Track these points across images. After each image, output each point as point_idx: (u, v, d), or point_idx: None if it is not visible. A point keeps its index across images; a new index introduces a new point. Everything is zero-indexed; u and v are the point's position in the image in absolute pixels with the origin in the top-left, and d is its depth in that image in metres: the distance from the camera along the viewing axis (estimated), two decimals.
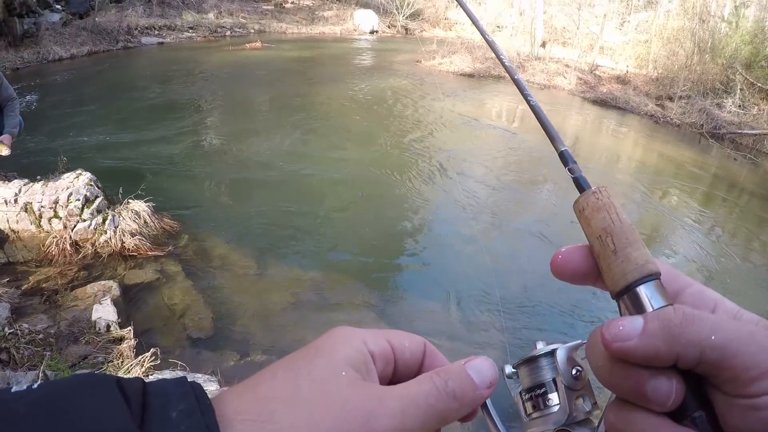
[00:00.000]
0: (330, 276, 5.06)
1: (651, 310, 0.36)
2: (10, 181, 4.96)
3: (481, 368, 0.39)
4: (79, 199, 4.84)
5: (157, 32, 16.58)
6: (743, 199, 9.41)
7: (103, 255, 4.76)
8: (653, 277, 0.37)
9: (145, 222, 5.08)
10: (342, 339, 0.39)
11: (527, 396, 0.44)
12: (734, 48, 15.16)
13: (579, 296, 5.14)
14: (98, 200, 4.99)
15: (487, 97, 13.46)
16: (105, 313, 3.81)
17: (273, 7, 22.90)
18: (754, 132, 12.65)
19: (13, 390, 0.29)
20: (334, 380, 0.35)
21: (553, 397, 0.42)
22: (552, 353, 0.43)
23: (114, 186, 5.38)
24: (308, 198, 6.67)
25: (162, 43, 16.12)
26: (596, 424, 0.41)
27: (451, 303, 4.90)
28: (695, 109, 13.72)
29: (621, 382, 0.36)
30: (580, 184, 0.43)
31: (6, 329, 3.36)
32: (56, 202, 4.79)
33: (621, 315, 0.38)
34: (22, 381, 2.90)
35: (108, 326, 3.71)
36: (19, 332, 3.40)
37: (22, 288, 4.17)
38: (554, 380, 0.43)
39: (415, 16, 24.65)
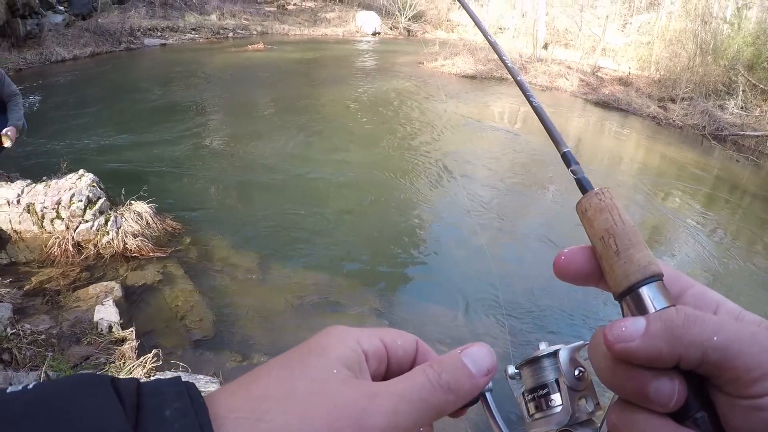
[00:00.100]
0: (332, 279, 5.05)
1: (653, 311, 0.36)
2: (12, 181, 4.97)
3: (477, 356, 0.39)
4: (81, 200, 4.85)
5: (159, 34, 16.62)
6: (746, 200, 9.40)
7: (106, 256, 4.76)
8: (656, 278, 0.37)
9: (147, 223, 5.08)
10: (336, 338, 0.39)
11: (530, 396, 0.44)
12: (736, 49, 15.15)
13: (583, 298, 5.14)
14: (101, 201, 4.99)
15: (490, 98, 13.47)
16: (107, 314, 3.81)
17: (275, 9, 22.96)
18: (756, 134, 12.63)
19: (8, 390, 0.29)
20: (327, 379, 0.35)
21: (556, 398, 0.42)
22: (555, 354, 0.43)
23: (116, 187, 5.39)
24: (311, 201, 6.67)
25: (164, 44, 16.16)
26: (599, 425, 0.41)
27: (455, 305, 4.89)
28: (697, 111, 13.71)
29: (623, 383, 0.36)
30: (583, 186, 0.43)
31: (8, 330, 3.36)
32: (59, 203, 4.80)
33: (623, 316, 0.38)
34: (24, 381, 2.91)
35: (110, 327, 3.72)
36: (21, 333, 3.41)
37: (25, 289, 4.17)
38: (557, 381, 0.43)
39: (417, 17, 24.68)
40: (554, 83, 15.97)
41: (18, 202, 4.77)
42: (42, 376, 2.97)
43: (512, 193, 7.78)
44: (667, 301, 0.37)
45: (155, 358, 3.31)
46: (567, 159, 0.46)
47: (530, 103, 0.52)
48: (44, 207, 4.78)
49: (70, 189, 4.89)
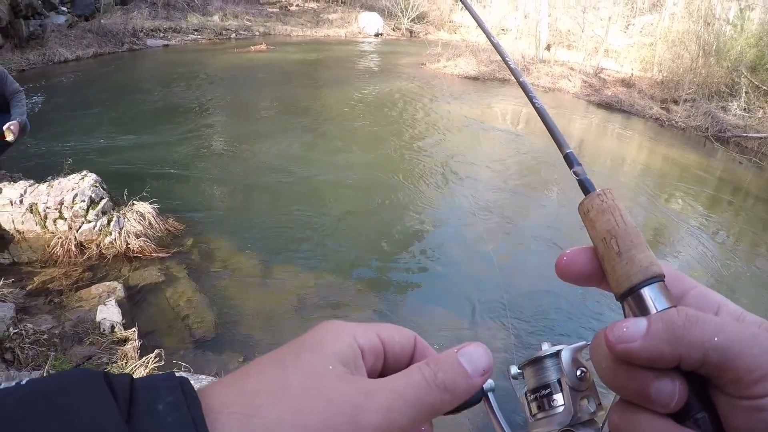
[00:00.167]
0: (335, 280, 5.05)
1: (655, 311, 0.36)
2: (15, 182, 4.99)
3: (473, 356, 0.38)
4: (84, 201, 4.86)
5: (162, 34, 16.65)
6: (748, 202, 9.38)
7: (108, 256, 4.77)
8: (657, 279, 0.37)
9: (150, 224, 5.09)
10: (332, 333, 0.38)
11: (532, 396, 0.44)
12: (739, 51, 15.12)
13: (587, 299, 5.13)
14: (103, 201, 5.00)
15: (493, 100, 13.46)
16: (109, 314, 3.82)
17: (278, 10, 22.99)
18: (759, 135, 12.60)
19: (1, 387, 0.29)
20: (322, 374, 0.35)
21: (558, 398, 0.43)
22: (557, 354, 0.44)
23: (119, 188, 5.40)
24: (315, 202, 6.67)
25: (167, 45, 16.19)
26: (600, 425, 0.42)
27: (459, 307, 4.89)
28: (700, 113, 13.69)
29: (625, 384, 0.36)
30: (585, 187, 0.44)
31: (11, 329, 3.37)
32: (61, 203, 4.81)
33: (625, 317, 0.38)
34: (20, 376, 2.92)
35: (112, 327, 3.72)
36: (23, 332, 3.41)
37: (27, 288, 4.18)
38: (559, 381, 0.43)
39: (419, 19, 24.68)
40: (557, 84, 15.96)
41: (21, 202, 4.78)
42: (44, 375, 2.97)
43: (517, 194, 7.78)
44: (669, 302, 0.37)
45: (157, 358, 3.32)
46: (569, 160, 0.46)
47: (533, 104, 0.52)
48: (47, 207, 4.79)
49: (73, 189, 4.90)
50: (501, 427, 0.44)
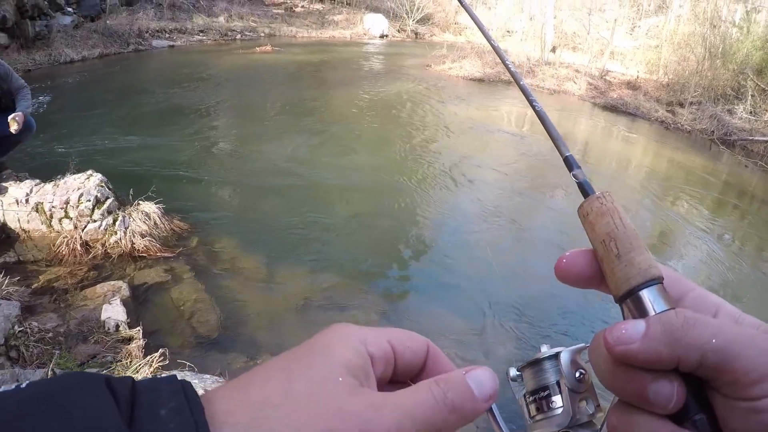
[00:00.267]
0: (340, 282, 5.05)
1: (653, 313, 0.37)
2: (21, 181, 5.01)
3: (481, 380, 0.37)
4: (89, 200, 4.88)
5: (167, 35, 16.70)
6: (754, 206, 9.34)
7: (113, 255, 4.79)
8: (656, 281, 0.38)
9: (155, 223, 5.11)
10: (340, 338, 0.37)
11: (531, 398, 0.45)
12: (745, 53, 15.06)
13: (588, 300, 5.12)
14: (109, 201, 5.02)
15: (498, 102, 13.45)
16: (114, 313, 3.83)
17: (283, 11, 23.03)
18: (765, 139, 12.54)
19: (1, 390, 0.29)
20: (330, 385, 0.33)
21: (557, 400, 0.43)
22: (556, 356, 0.44)
23: (125, 187, 5.42)
24: (321, 204, 6.66)
25: (172, 46, 16.23)
26: (599, 427, 0.42)
27: (466, 310, 4.88)
28: (706, 116, 13.64)
29: (623, 385, 0.36)
30: (585, 189, 0.44)
31: (16, 327, 3.39)
32: (67, 202, 4.83)
33: (624, 319, 0.39)
34: (31, 376, 2.93)
35: (117, 326, 3.74)
36: (28, 330, 3.43)
37: (33, 287, 4.20)
38: (558, 383, 0.43)
39: (424, 20, 24.68)
40: (562, 87, 15.93)
41: (27, 201, 4.80)
42: (49, 373, 2.99)
43: (522, 197, 7.76)
44: (667, 304, 0.37)
45: (162, 358, 3.33)
46: (569, 163, 0.46)
47: (532, 107, 0.52)
48: (53, 206, 4.82)
49: (79, 189, 4.92)
50: (501, 430, 0.44)
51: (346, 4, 25.15)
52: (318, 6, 24.65)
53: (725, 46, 15.56)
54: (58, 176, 5.13)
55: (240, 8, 20.85)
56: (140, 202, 5.20)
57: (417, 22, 24.16)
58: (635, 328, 0.35)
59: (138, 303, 4.29)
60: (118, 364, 3.33)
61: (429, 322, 4.66)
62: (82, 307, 3.98)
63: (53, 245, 4.73)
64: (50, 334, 3.51)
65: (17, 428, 0.27)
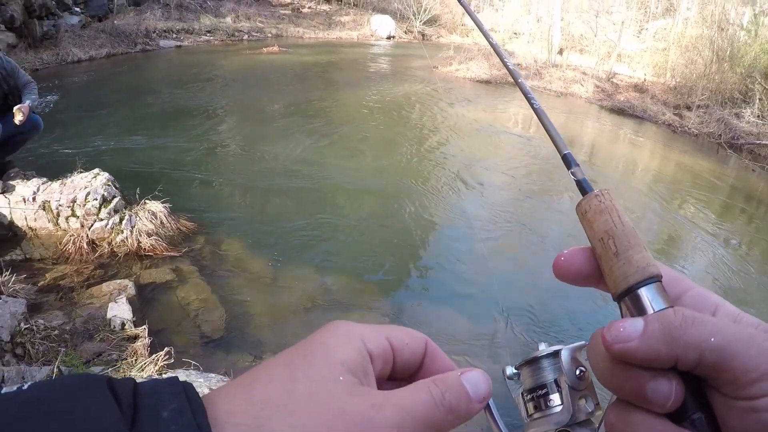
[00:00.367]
0: (346, 283, 5.05)
1: (652, 312, 0.36)
2: (28, 179, 5.04)
3: (476, 381, 0.38)
4: (96, 199, 4.90)
5: (175, 35, 16.75)
6: (761, 210, 9.28)
7: (120, 254, 4.81)
8: (654, 279, 0.38)
9: (161, 223, 5.13)
10: (340, 336, 0.37)
11: (529, 396, 0.44)
12: (753, 57, 14.97)
13: (598, 306, 5.11)
14: (115, 200, 5.05)
15: (506, 104, 13.41)
16: (120, 311, 3.85)
17: (290, 12, 23.07)
18: None
19: (3, 391, 0.29)
20: (331, 385, 0.34)
21: (555, 398, 0.43)
22: (555, 354, 0.44)
23: (131, 186, 5.44)
24: (328, 205, 6.66)
25: (180, 46, 16.28)
26: (597, 425, 0.42)
27: (472, 312, 4.87)
28: (713, 119, 13.57)
29: (621, 384, 0.36)
30: (583, 187, 0.44)
31: (22, 325, 3.41)
32: (74, 201, 4.86)
33: (622, 317, 0.38)
34: (36, 373, 2.95)
35: (123, 324, 3.75)
36: (34, 328, 3.45)
37: (39, 285, 4.23)
38: (556, 381, 0.43)
39: (431, 22, 24.67)
40: (569, 89, 15.89)
41: (34, 199, 4.83)
42: (54, 371, 3.01)
43: (528, 198, 7.75)
44: (666, 302, 0.37)
45: (167, 356, 3.34)
46: (567, 161, 0.46)
47: (531, 105, 0.52)
48: (59, 205, 4.84)
49: (86, 187, 4.95)
50: (499, 429, 0.44)
51: (353, 5, 25.19)
52: (325, 7, 24.69)
53: (733, 50, 15.48)
54: (65, 175, 5.16)
55: (247, 9, 20.91)
56: (147, 201, 5.22)
57: (424, 23, 24.15)
58: (633, 326, 0.35)
59: (144, 301, 4.31)
60: (123, 362, 3.34)
61: (438, 326, 4.65)
62: (88, 305, 4.00)
63: (60, 243, 4.76)
64: (56, 332, 3.53)
65: (18, 429, 0.27)
